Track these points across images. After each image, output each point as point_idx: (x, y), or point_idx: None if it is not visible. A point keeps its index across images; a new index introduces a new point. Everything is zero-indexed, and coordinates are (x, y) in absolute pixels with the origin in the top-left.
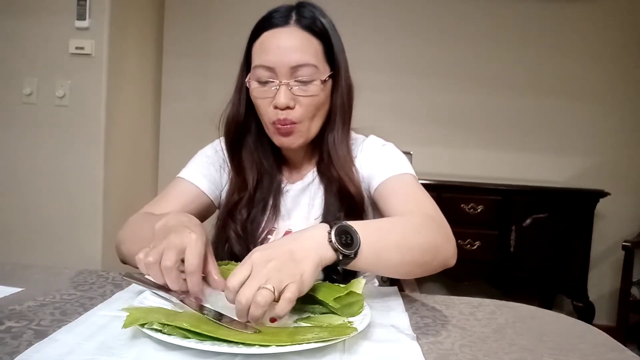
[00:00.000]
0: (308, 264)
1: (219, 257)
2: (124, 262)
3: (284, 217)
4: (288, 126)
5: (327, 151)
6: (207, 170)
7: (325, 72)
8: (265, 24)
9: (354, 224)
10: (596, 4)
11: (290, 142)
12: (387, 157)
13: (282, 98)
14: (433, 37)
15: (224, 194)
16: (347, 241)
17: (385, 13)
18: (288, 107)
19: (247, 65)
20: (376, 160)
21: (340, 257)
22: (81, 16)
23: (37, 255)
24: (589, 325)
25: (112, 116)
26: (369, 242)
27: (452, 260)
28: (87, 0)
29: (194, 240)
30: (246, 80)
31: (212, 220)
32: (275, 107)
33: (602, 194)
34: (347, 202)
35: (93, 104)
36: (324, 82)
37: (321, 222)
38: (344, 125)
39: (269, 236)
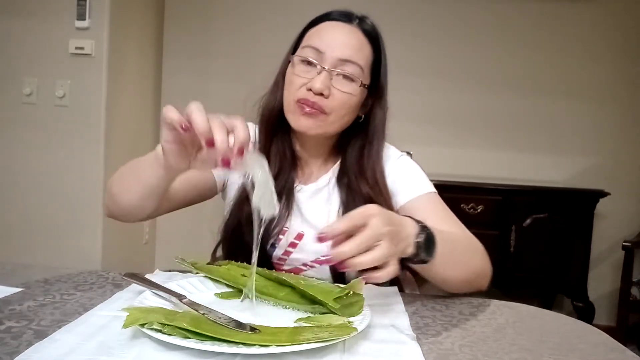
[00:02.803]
0: (408, 245)
1: (228, 246)
2: (112, 214)
3: (296, 216)
4: (314, 110)
5: (357, 164)
6: None
7: (366, 79)
8: (327, 16)
9: (432, 229)
10: (596, 4)
11: (309, 126)
12: (410, 173)
13: (319, 83)
14: (433, 37)
15: (230, 184)
16: (429, 245)
17: (385, 13)
18: (322, 94)
19: (296, 46)
20: (400, 176)
21: (417, 258)
22: (81, 16)
23: (37, 255)
24: (589, 325)
25: (112, 116)
26: (442, 252)
27: (485, 287)
28: (87, 0)
29: (241, 119)
30: (291, 55)
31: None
32: (309, 90)
33: (602, 194)
34: None
35: (93, 104)
36: (363, 86)
37: None
38: (381, 141)
39: (281, 236)
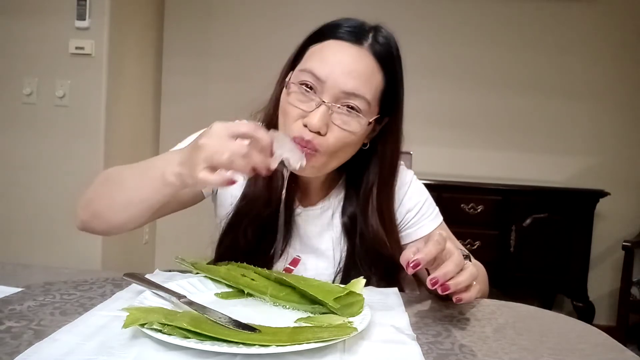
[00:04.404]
0: None
1: (222, 253)
2: (84, 227)
3: (294, 241)
4: (308, 150)
5: (365, 198)
6: None
7: (373, 113)
8: (334, 31)
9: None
10: (596, 4)
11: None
12: (424, 204)
13: (317, 120)
14: (433, 37)
15: (222, 191)
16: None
17: (384, 13)
18: (318, 132)
19: (295, 60)
20: (415, 208)
21: None
22: (81, 16)
23: (37, 255)
24: (589, 325)
25: (112, 116)
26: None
27: None
28: (87, 0)
29: (251, 124)
30: (286, 79)
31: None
32: (305, 125)
33: (602, 194)
34: (378, 258)
35: (93, 104)
36: (369, 123)
37: (342, 272)
38: (394, 176)
39: (274, 260)
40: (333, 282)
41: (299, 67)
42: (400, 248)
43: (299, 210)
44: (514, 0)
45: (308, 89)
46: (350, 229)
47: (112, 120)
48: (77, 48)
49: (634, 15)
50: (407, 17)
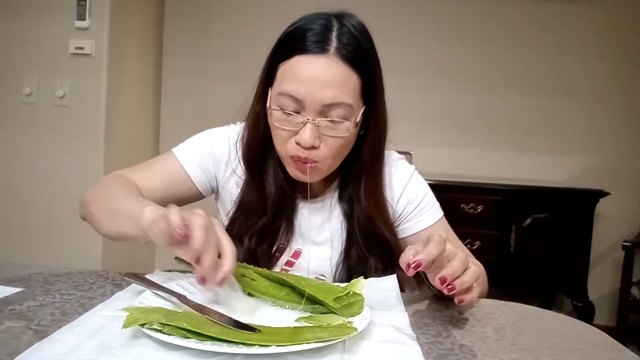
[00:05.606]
0: None
1: None
2: (83, 218)
3: (296, 235)
4: (308, 164)
5: (358, 183)
6: (203, 161)
7: (359, 110)
8: (299, 45)
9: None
10: (596, 4)
11: (307, 178)
12: (424, 197)
13: (308, 137)
14: (433, 37)
15: (222, 190)
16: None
17: (384, 12)
18: (312, 147)
19: (268, 76)
20: (415, 201)
21: None
22: (81, 16)
23: (37, 255)
24: (589, 325)
25: (112, 116)
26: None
27: None
28: (87, 0)
29: (232, 249)
30: (267, 106)
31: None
32: (298, 143)
33: (602, 194)
34: (373, 239)
35: (93, 104)
36: (356, 124)
37: (343, 254)
38: (381, 160)
39: (277, 253)
40: (335, 270)
41: (275, 90)
42: (391, 229)
43: (301, 205)
44: (514, 0)
45: (290, 112)
46: (349, 212)
47: (112, 120)
48: (77, 48)
49: (634, 15)
50: (407, 17)
